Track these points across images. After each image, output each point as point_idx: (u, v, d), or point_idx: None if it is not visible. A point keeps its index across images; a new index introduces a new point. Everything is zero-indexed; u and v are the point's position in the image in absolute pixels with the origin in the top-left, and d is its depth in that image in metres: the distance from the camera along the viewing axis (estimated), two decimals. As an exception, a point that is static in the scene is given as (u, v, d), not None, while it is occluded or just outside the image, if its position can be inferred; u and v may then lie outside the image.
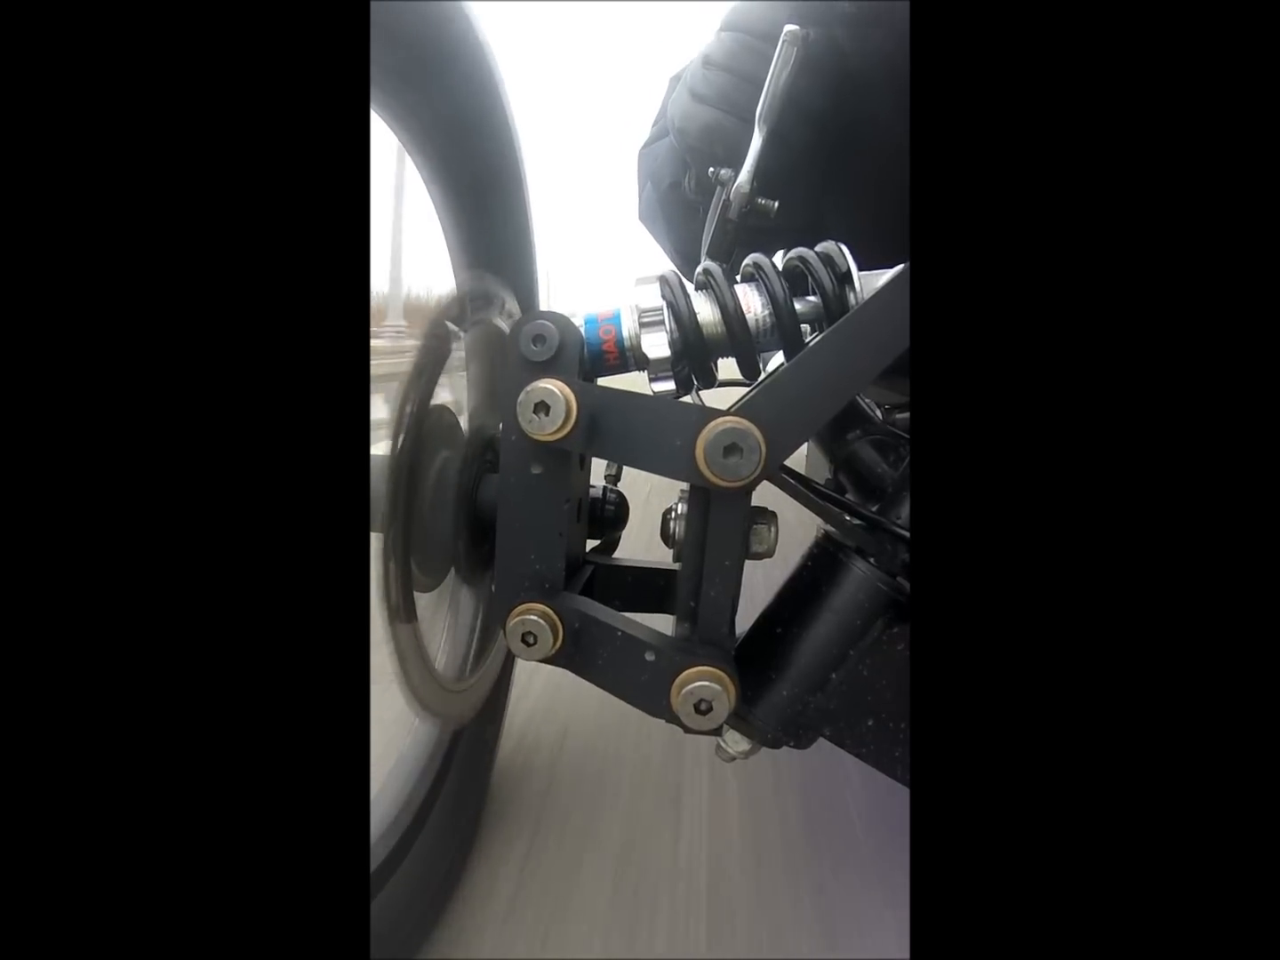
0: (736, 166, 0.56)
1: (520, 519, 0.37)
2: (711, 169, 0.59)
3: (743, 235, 0.57)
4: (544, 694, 0.89)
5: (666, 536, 0.42)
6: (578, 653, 0.37)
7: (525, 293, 0.63)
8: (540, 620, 0.36)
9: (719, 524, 0.36)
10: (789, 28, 0.51)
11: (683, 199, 0.80)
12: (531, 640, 0.36)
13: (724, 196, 0.57)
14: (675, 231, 0.90)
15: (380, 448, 0.34)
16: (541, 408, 0.34)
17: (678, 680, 0.35)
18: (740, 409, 0.34)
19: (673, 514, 0.41)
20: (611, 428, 0.35)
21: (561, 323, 0.35)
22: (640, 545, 0.54)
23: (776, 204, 0.56)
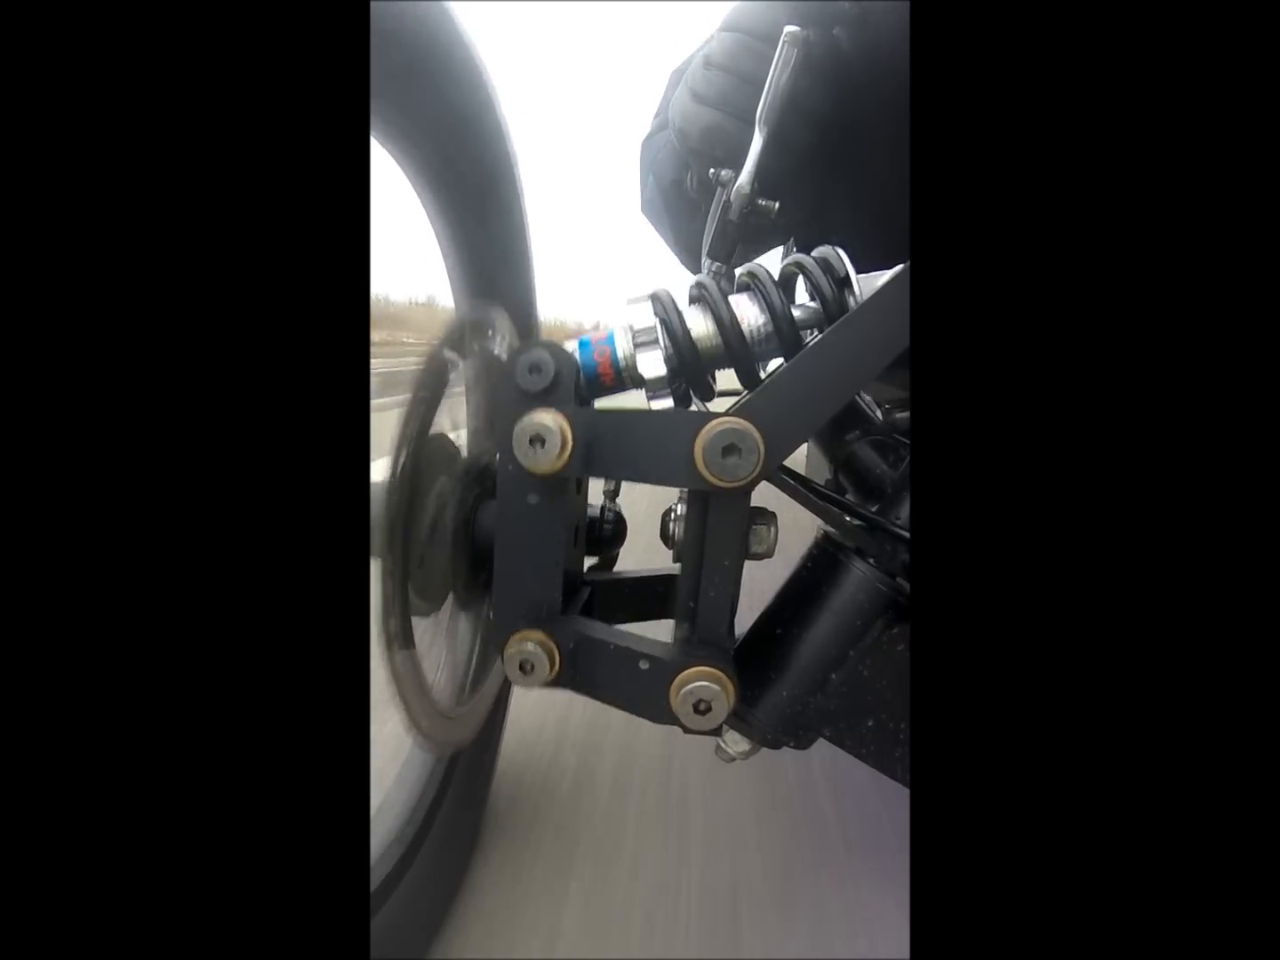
0: (737, 167, 0.56)
1: (517, 548, 0.37)
2: (712, 170, 0.59)
3: (745, 234, 0.57)
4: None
5: (666, 537, 0.42)
6: (576, 673, 0.37)
7: (523, 315, 0.63)
8: (537, 649, 0.36)
9: (718, 524, 0.36)
10: (789, 29, 0.52)
11: (684, 197, 0.80)
12: (529, 668, 0.36)
13: (725, 198, 0.57)
14: (678, 228, 0.90)
15: (380, 474, 0.35)
16: (537, 440, 0.33)
17: (676, 681, 0.35)
18: (738, 409, 0.34)
19: (672, 515, 0.41)
20: (609, 448, 0.35)
21: (556, 351, 0.35)
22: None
23: (777, 205, 0.56)
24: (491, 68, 0.52)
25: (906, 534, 0.39)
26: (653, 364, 0.39)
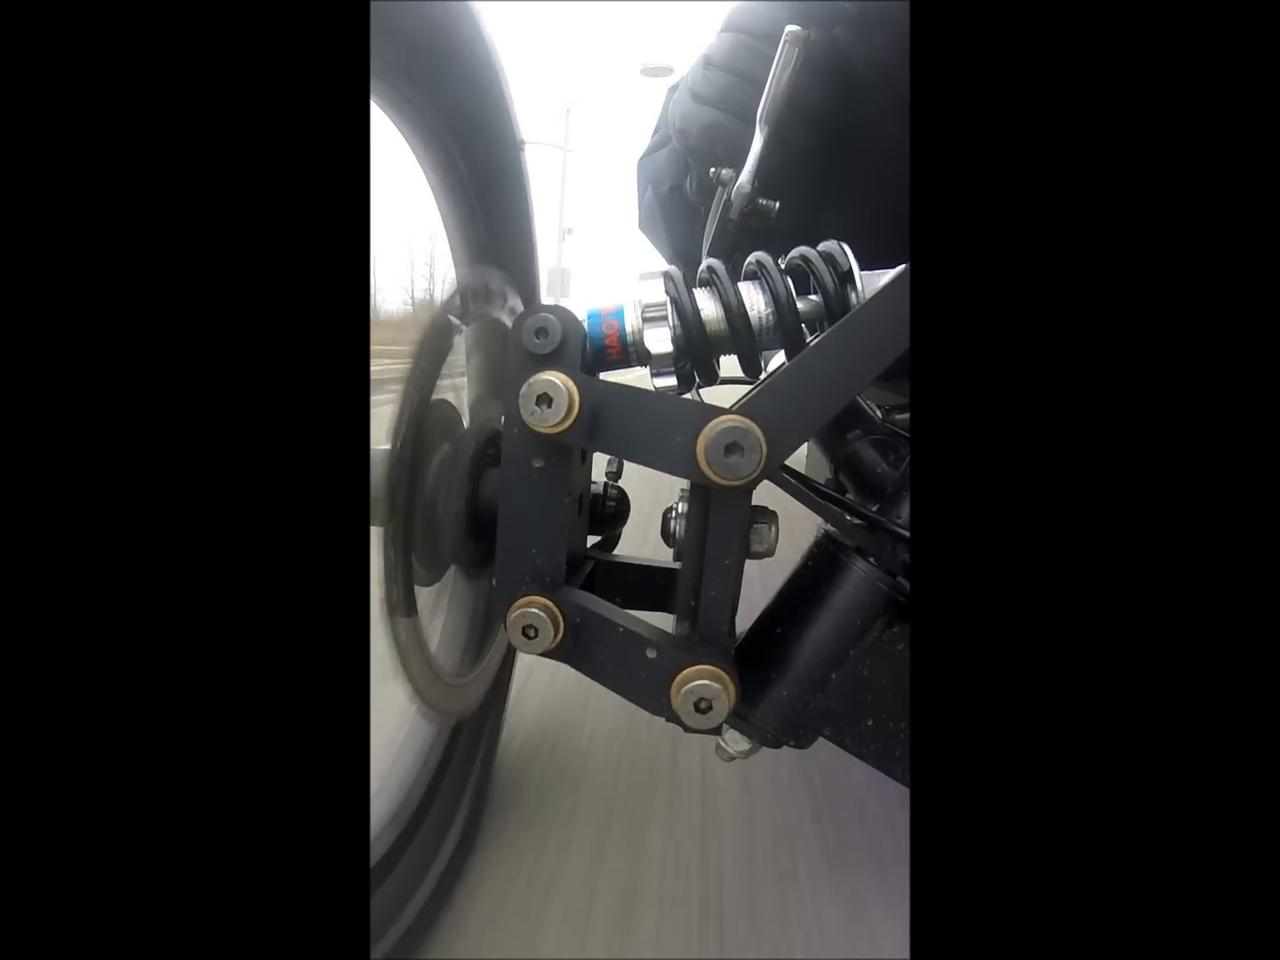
0: (737, 167, 0.56)
1: (521, 512, 0.37)
2: (713, 170, 0.59)
3: (743, 237, 0.57)
4: (545, 687, 0.89)
5: (667, 535, 0.42)
6: (578, 647, 0.37)
7: (527, 286, 0.63)
8: (541, 613, 0.36)
9: (719, 523, 0.36)
10: (790, 29, 0.52)
11: (683, 202, 0.80)
12: (532, 633, 0.36)
13: (725, 197, 0.57)
14: (675, 235, 0.90)
15: (381, 442, 0.34)
16: (544, 400, 0.33)
17: (678, 679, 0.35)
18: (741, 407, 0.34)
19: (673, 513, 0.41)
20: (613, 422, 0.35)
21: (564, 316, 0.35)
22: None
23: (778, 204, 0.56)
24: (504, 60, 0.54)
25: (907, 533, 0.39)
26: (660, 341, 0.39)
